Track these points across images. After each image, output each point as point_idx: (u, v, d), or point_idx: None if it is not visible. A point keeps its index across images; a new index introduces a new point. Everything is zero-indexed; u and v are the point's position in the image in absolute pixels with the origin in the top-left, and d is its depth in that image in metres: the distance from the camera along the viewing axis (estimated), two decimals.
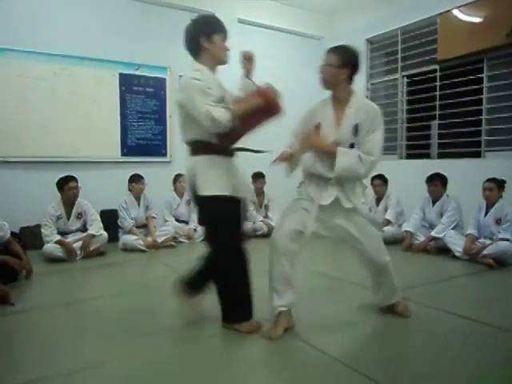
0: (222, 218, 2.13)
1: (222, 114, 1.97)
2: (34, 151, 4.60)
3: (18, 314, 2.55)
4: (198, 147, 2.16)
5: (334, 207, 2.26)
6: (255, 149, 2.25)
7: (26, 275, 3.31)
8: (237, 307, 2.22)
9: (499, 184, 3.86)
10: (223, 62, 2.22)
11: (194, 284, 2.47)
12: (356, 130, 2.20)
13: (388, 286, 2.42)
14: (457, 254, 3.94)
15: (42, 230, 4.02)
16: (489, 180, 3.90)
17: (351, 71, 2.23)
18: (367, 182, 2.43)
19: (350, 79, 2.25)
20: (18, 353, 2.03)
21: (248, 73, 2.26)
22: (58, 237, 3.99)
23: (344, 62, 2.19)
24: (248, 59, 2.21)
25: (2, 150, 4.44)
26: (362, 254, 2.36)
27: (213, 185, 2.10)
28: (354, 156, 2.16)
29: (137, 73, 5.18)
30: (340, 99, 2.27)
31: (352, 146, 2.20)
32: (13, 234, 3.63)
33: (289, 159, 2.31)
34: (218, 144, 2.10)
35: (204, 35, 2.12)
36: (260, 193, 5.55)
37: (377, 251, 2.34)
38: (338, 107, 2.27)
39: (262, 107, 2.01)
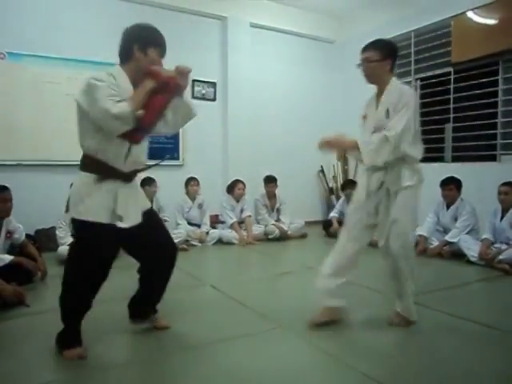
0: (76, 242, 2.04)
1: (122, 108, 1.76)
2: (49, 154, 4.69)
3: (34, 315, 2.59)
4: (83, 162, 1.98)
5: (381, 193, 2.36)
6: (162, 161, 2.34)
7: (41, 277, 3.35)
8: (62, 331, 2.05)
9: None
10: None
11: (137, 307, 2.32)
12: (387, 113, 2.28)
13: (405, 297, 2.36)
14: (472, 258, 3.88)
15: (57, 233, 4.07)
16: (504, 184, 3.85)
17: (393, 61, 2.35)
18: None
19: (392, 69, 2.37)
20: (33, 354, 2.05)
21: (181, 89, 2.03)
22: (72, 239, 4.03)
23: (385, 54, 2.31)
24: (182, 74, 1.96)
25: (17, 154, 4.53)
26: (386, 243, 2.35)
27: (75, 206, 1.94)
28: (377, 138, 2.22)
29: None
30: (382, 89, 2.36)
31: None
32: (28, 236, 3.70)
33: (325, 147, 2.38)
34: (107, 164, 1.92)
35: (138, 43, 1.94)
36: (272, 196, 5.56)
37: (397, 237, 2.29)
38: (380, 96, 2.37)
39: (159, 86, 1.88)
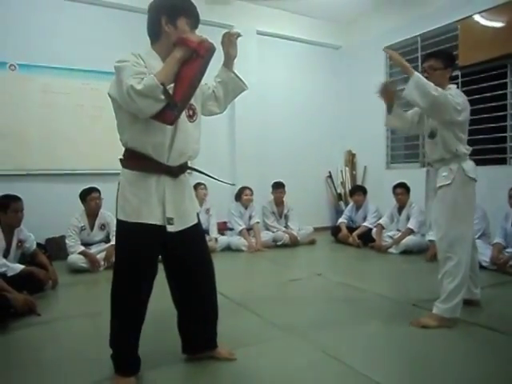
0: (117, 246, 1.84)
1: (148, 82, 1.54)
2: (59, 164, 4.73)
3: (44, 324, 2.61)
4: (125, 158, 1.80)
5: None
6: (218, 178, 2.14)
7: (52, 285, 3.38)
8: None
9: None
10: None
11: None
12: None
13: (445, 291, 2.42)
14: (483, 263, 3.82)
15: (67, 241, 4.11)
16: None
17: (452, 70, 2.61)
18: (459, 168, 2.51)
19: (450, 77, 2.61)
20: (44, 363, 2.06)
21: (228, 58, 1.91)
22: (82, 248, 4.06)
23: (447, 62, 2.53)
24: (230, 40, 1.86)
25: (27, 164, 4.58)
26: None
27: (121, 208, 1.77)
28: (433, 87, 2.33)
29: None
30: None
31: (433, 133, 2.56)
32: (38, 245, 3.74)
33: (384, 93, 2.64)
34: (152, 157, 1.73)
35: (166, 15, 1.70)
36: (280, 203, 5.55)
37: (438, 241, 2.51)
38: None
39: (188, 54, 1.65)
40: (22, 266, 3.14)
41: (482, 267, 3.80)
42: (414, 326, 2.41)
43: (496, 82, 4.75)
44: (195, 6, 1.78)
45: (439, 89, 2.34)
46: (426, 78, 2.45)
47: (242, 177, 5.66)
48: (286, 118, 6.30)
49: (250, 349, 2.16)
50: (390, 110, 2.70)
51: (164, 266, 1.93)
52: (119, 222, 1.78)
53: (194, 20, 1.77)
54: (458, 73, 5.08)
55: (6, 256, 3.18)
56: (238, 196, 5.33)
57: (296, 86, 6.44)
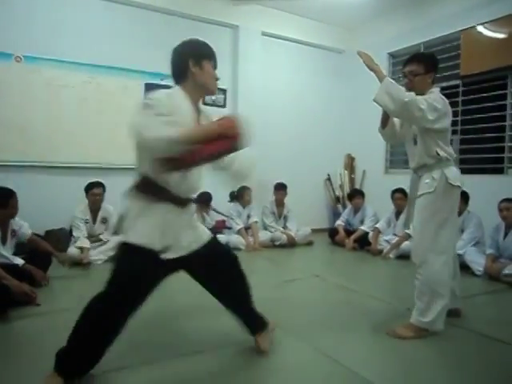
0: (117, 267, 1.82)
1: (166, 134, 1.59)
2: (61, 157, 4.75)
3: (44, 315, 2.64)
4: (139, 184, 1.83)
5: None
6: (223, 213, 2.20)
7: (67, 264, 3.64)
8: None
9: None
10: (211, 91, 1.94)
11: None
12: None
13: (421, 300, 2.39)
14: (477, 272, 3.88)
15: (74, 233, 4.20)
16: (505, 200, 3.85)
17: (435, 74, 2.48)
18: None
19: (433, 81, 2.48)
20: (42, 354, 2.08)
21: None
22: (81, 242, 4.09)
23: (429, 67, 2.43)
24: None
25: (28, 155, 4.60)
26: None
27: (127, 229, 1.80)
28: (402, 92, 2.28)
29: (162, 83, 5.31)
30: None
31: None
32: (38, 236, 3.75)
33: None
34: (166, 188, 1.79)
35: (193, 58, 1.85)
36: (280, 204, 5.61)
37: (413, 252, 2.47)
38: None
39: (221, 135, 1.69)
40: (22, 261, 3.15)
41: (475, 275, 3.88)
42: (390, 335, 2.37)
43: (496, 93, 4.81)
44: (214, 51, 1.95)
45: (412, 94, 2.28)
46: (407, 83, 2.43)
47: None
48: (287, 119, 6.34)
49: (245, 347, 2.19)
50: (384, 123, 2.63)
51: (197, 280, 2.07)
52: (123, 245, 1.80)
53: (215, 62, 1.95)
54: (458, 82, 5.14)
55: (3, 243, 3.21)
56: (239, 196, 5.37)
57: (298, 88, 6.48)
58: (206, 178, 1.98)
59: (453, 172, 2.40)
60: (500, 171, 4.79)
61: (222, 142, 1.69)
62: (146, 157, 1.76)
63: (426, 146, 2.41)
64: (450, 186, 2.36)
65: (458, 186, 2.40)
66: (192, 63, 1.84)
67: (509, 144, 4.74)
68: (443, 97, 2.40)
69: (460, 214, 4.30)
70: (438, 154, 2.37)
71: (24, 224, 3.46)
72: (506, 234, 3.87)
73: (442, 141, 2.39)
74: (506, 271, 3.61)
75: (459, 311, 2.70)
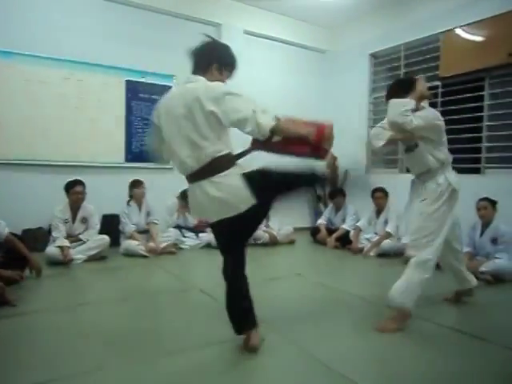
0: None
1: (266, 122, 1.90)
2: (39, 154, 4.66)
3: (21, 315, 2.58)
4: (225, 160, 2.11)
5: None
6: None
7: (37, 274, 3.41)
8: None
9: (493, 203, 3.89)
10: None
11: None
12: None
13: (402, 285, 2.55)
14: None
15: (53, 234, 4.10)
16: (483, 199, 3.93)
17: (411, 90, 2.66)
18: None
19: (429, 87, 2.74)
20: (19, 355, 2.04)
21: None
22: (60, 242, 4.01)
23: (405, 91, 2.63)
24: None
25: (4, 152, 4.49)
26: None
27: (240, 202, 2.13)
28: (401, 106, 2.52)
29: (143, 80, 5.26)
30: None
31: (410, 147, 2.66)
32: (15, 236, 3.66)
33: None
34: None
35: (218, 63, 2.12)
36: None
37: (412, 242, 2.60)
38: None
39: (310, 140, 1.88)
40: None
41: None
42: (378, 331, 2.44)
43: (474, 94, 4.91)
44: (237, 60, 2.22)
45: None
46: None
47: None
48: None
49: (227, 345, 2.19)
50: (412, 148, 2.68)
51: None
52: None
53: (234, 72, 2.24)
54: (438, 83, 5.23)
55: None
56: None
57: (281, 87, 6.49)
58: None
59: (453, 175, 2.60)
60: (477, 171, 4.89)
61: (306, 145, 1.89)
62: (221, 140, 2.09)
63: (424, 154, 2.58)
64: (454, 191, 2.54)
65: (459, 189, 2.58)
66: (215, 66, 2.11)
67: (485, 144, 4.85)
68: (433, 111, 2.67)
69: None
70: (439, 159, 2.56)
71: (1, 223, 3.38)
72: (482, 233, 3.96)
73: (441, 145, 2.59)
74: (483, 269, 3.70)
75: (472, 291, 3.00)
